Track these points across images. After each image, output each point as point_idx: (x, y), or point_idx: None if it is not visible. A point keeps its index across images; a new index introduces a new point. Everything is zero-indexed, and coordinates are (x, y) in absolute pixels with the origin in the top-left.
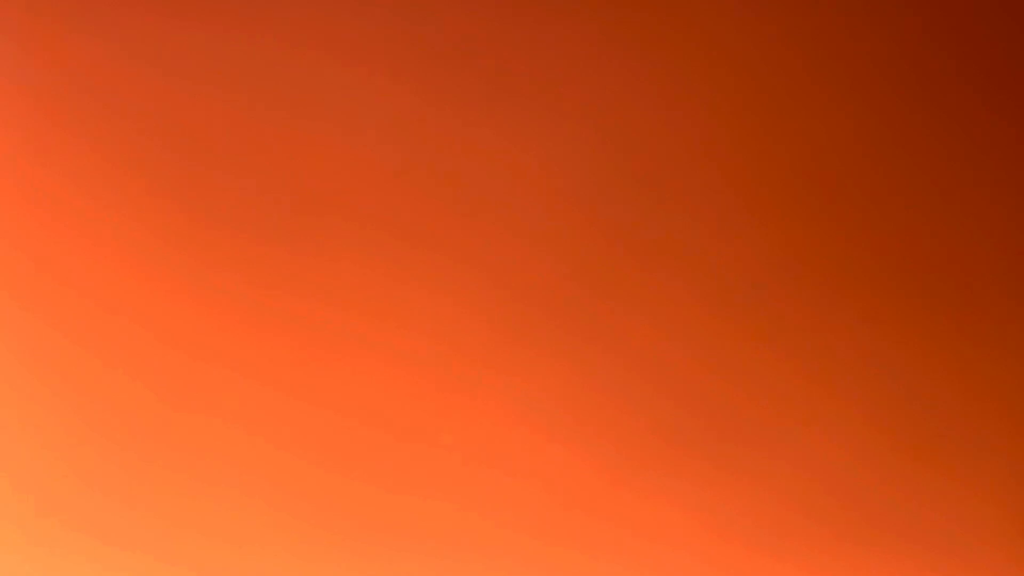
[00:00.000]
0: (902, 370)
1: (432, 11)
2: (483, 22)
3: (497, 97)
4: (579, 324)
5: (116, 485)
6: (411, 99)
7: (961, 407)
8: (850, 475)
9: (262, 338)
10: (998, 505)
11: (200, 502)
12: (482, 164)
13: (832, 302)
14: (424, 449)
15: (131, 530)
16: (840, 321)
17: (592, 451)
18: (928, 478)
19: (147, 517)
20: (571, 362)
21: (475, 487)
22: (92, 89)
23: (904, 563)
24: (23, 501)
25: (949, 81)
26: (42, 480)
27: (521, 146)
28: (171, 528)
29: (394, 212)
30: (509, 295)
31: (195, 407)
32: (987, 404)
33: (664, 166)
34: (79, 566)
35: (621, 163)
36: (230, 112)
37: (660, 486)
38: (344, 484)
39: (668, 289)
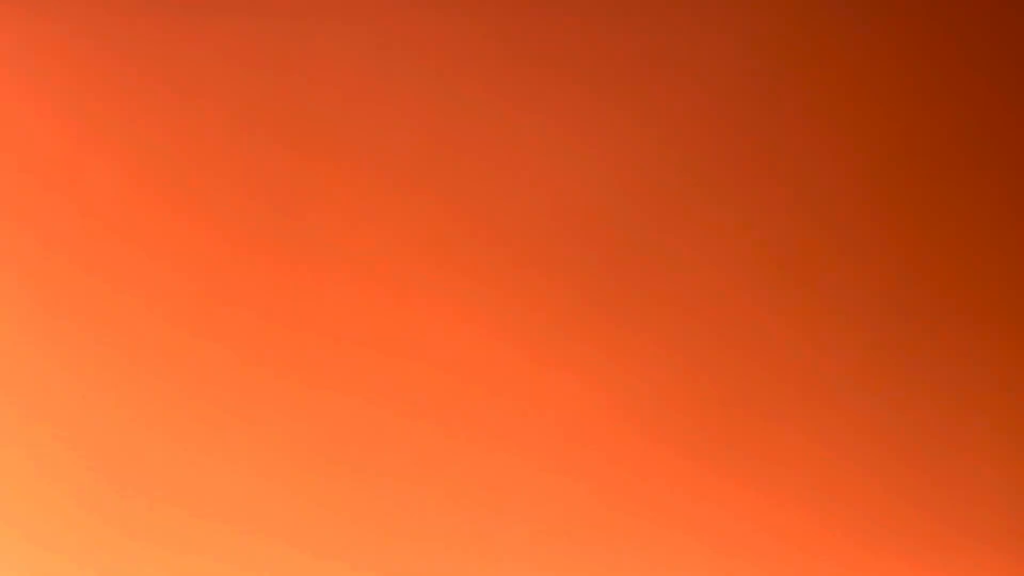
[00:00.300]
0: (915, 373)
1: (453, 12)
2: (502, 23)
3: (536, 78)
4: (601, 317)
5: (120, 461)
6: (426, 97)
7: (970, 409)
8: (865, 476)
9: (275, 326)
10: (1007, 505)
11: (210, 492)
12: (522, 145)
13: (846, 307)
14: (447, 437)
15: (141, 514)
16: (855, 327)
17: (615, 444)
18: (937, 481)
19: (156, 491)
20: (597, 354)
21: (496, 475)
22: (104, 41)
23: (916, 565)
24: (27, 481)
25: (953, 84)
26: (41, 459)
27: (556, 131)
28: (178, 519)
29: (431, 197)
30: (538, 287)
31: (202, 337)
32: (998, 406)
33: (700, 160)
34: (87, 552)
35: (656, 153)
36: (238, 119)
37: (682, 481)
38: (363, 472)
39: (693, 290)
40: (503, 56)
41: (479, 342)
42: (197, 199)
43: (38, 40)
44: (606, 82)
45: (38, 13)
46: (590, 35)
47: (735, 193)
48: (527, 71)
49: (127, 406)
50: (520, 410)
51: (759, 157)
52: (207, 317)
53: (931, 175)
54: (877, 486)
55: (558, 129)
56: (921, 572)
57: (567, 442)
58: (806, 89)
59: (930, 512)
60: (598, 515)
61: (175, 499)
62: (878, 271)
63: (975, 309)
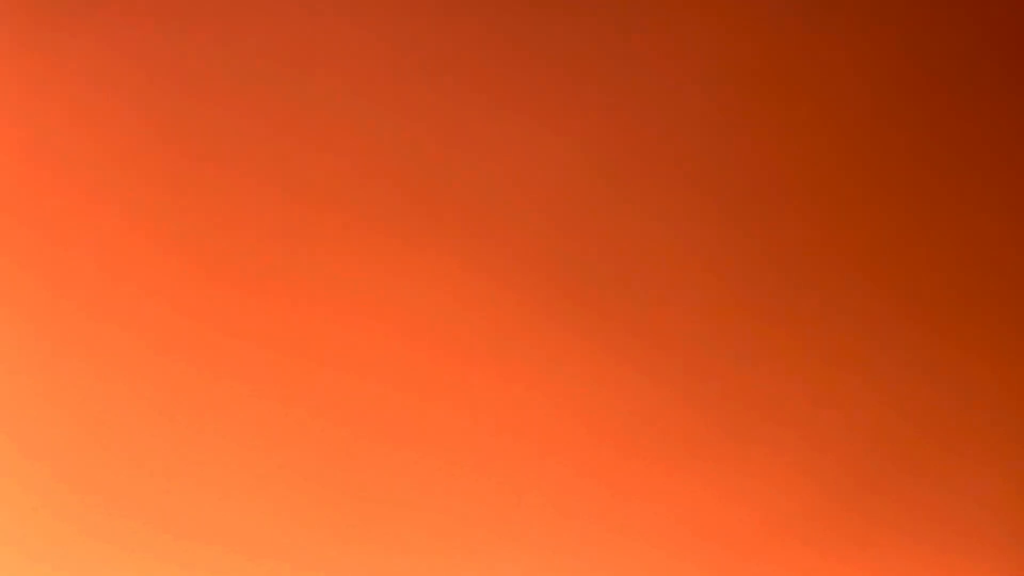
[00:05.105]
0: (908, 370)
1: (429, 12)
2: (478, 22)
3: (505, 87)
4: (584, 321)
5: (108, 483)
6: (412, 92)
7: (966, 408)
8: (855, 476)
9: (261, 337)
10: (1003, 506)
11: (194, 500)
12: (496, 153)
13: (840, 302)
14: (430, 442)
15: (125, 530)
16: (848, 322)
17: (597, 448)
18: (933, 479)
19: (140, 516)
20: (576, 358)
21: (481, 480)
22: (89, 84)
23: (909, 564)
24: (19, 505)
25: (951, 81)
26: (34, 482)
27: (532, 137)
28: (165, 526)
29: (400, 205)
30: (518, 288)
31: (188, 405)
32: (992, 406)
33: (676, 158)
34: (73, 570)
35: (632, 156)
36: (227, 107)
37: (666, 482)
38: (348, 478)
39: (675, 287)
40: (472, 63)
41: (454, 356)
42: (181, 203)
43: (37, 39)
44: (588, 88)
45: (37, 13)
46: (572, 37)
47: (716, 203)
48: (504, 81)
49: (103, 413)
50: (495, 423)
51: (741, 167)
52: (180, 326)
53: (913, 189)
54: (858, 498)
55: (539, 134)
56: None
57: (542, 454)
58: (794, 90)
59: (914, 523)
60: (572, 527)
61: (145, 508)
62: (863, 279)
63: (957, 323)
